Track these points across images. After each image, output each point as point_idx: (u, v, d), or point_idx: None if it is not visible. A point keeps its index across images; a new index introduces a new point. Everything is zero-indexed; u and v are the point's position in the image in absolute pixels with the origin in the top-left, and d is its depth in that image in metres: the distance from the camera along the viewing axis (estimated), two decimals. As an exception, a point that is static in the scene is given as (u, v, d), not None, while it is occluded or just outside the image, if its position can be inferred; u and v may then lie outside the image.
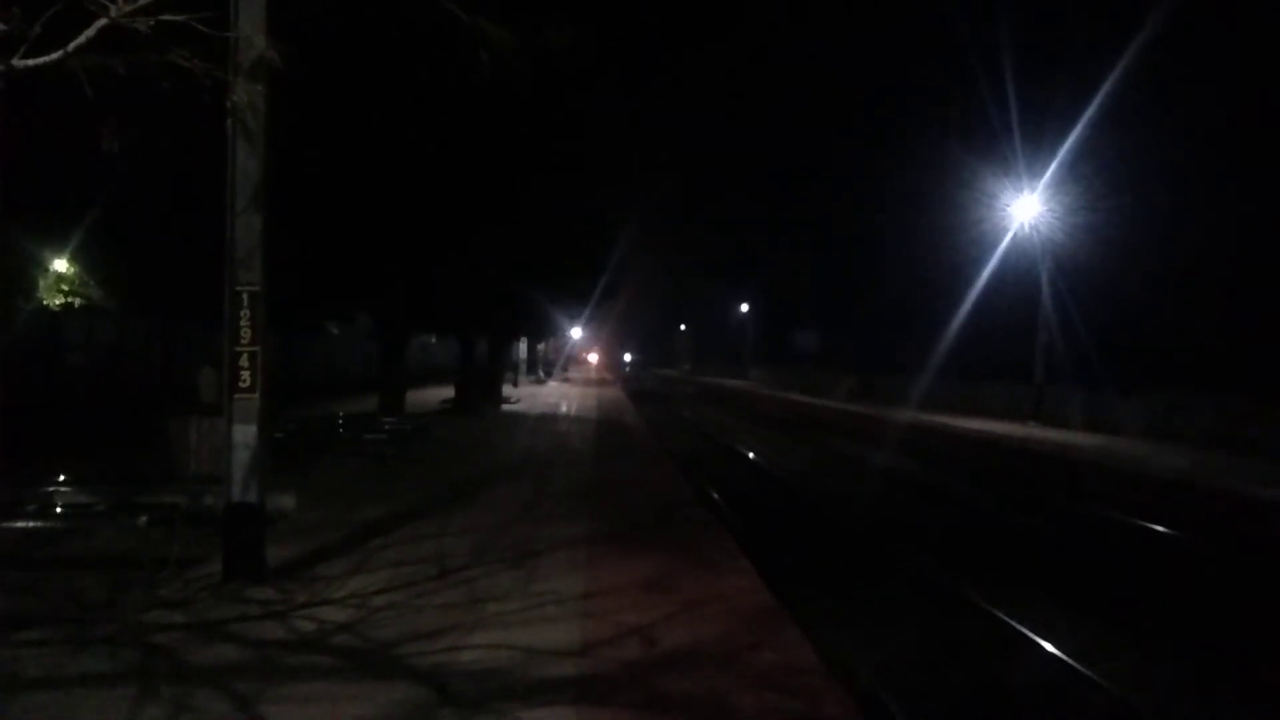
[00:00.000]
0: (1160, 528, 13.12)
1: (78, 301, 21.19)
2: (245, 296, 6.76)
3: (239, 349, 6.77)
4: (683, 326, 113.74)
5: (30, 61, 4.13)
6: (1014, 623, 8.03)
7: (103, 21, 4.23)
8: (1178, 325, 26.30)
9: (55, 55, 4.13)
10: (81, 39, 4.18)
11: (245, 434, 6.80)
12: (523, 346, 46.78)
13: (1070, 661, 7.07)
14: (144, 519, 7.06)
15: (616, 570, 7.85)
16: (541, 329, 41.74)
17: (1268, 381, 20.53)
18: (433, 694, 4.93)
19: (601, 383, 60.24)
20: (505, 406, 29.21)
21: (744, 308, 74.72)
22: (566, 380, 57.61)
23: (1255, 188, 24.33)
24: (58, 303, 20.75)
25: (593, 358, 79.33)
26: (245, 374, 6.78)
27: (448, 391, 31.62)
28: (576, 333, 61.98)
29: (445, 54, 6.86)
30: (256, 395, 6.80)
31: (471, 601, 6.73)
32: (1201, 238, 25.88)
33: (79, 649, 5.47)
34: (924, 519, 14.43)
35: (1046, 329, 28.48)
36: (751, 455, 21.84)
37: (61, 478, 9.84)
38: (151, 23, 4.10)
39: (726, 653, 5.81)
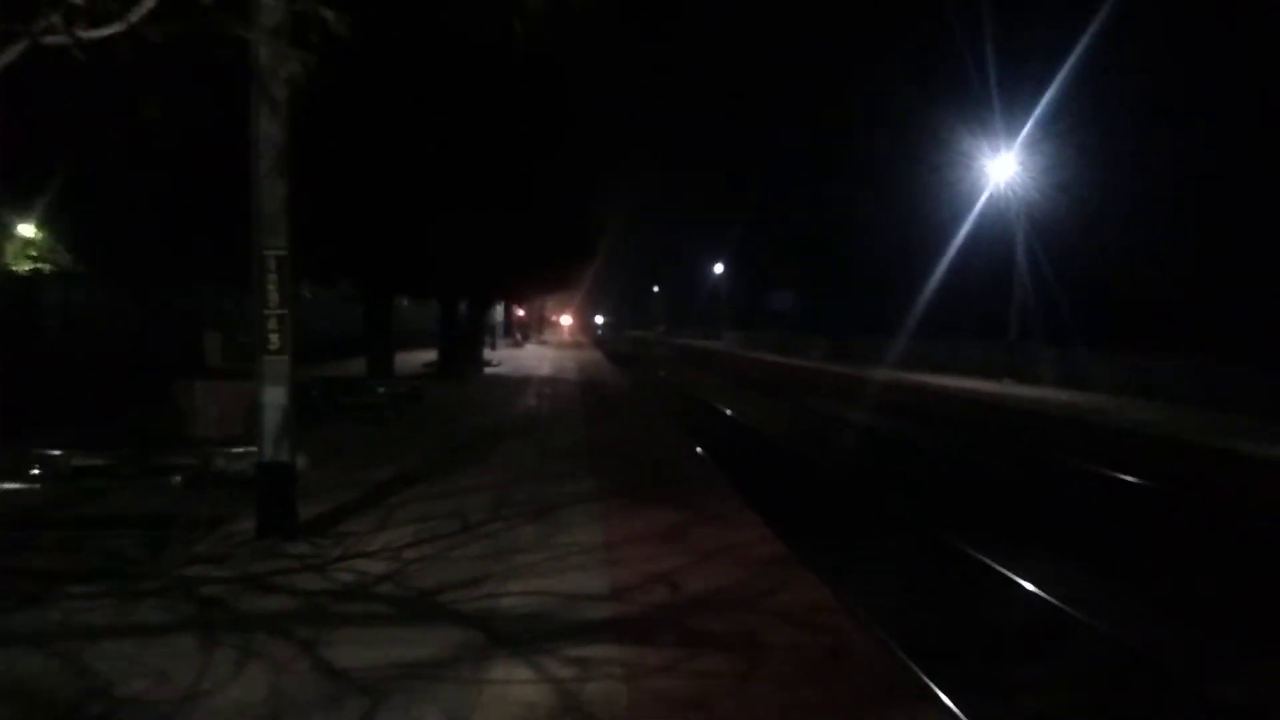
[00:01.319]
0: (1131, 478, 13.71)
1: (47, 267, 20.98)
2: (272, 260, 6.90)
3: (267, 312, 6.91)
4: (656, 289, 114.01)
5: (95, 33, 4.24)
6: (994, 563, 8.50)
7: (159, -8, 4.35)
8: (1148, 284, 26.96)
9: (119, 26, 4.25)
10: (143, 9, 4.29)
11: (275, 395, 6.97)
12: (498, 310, 46.73)
13: (1053, 600, 7.53)
14: (178, 479, 7.23)
15: (630, 523, 8.17)
16: (521, 293, 41.70)
17: (1235, 340, 21.24)
18: (483, 635, 5.23)
19: (577, 346, 60.44)
20: (487, 369, 29.36)
21: (718, 269, 75.01)
22: (543, 343, 57.80)
23: (1225, 152, 24.89)
24: (26, 269, 20.51)
25: (565, 320, 77.67)
26: (274, 336, 6.94)
27: (426, 355, 31.69)
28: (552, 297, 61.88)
29: (472, 21, 6.99)
30: (286, 357, 6.96)
31: (500, 553, 7.02)
32: (1171, 199, 26.46)
33: (135, 601, 5.70)
34: (907, 472, 14.93)
35: (1021, 288, 29.08)
36: (735, 414, 22.25)
37: (53, 441, 9.93)
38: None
39: (749, 596, 6.16)
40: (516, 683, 4.58)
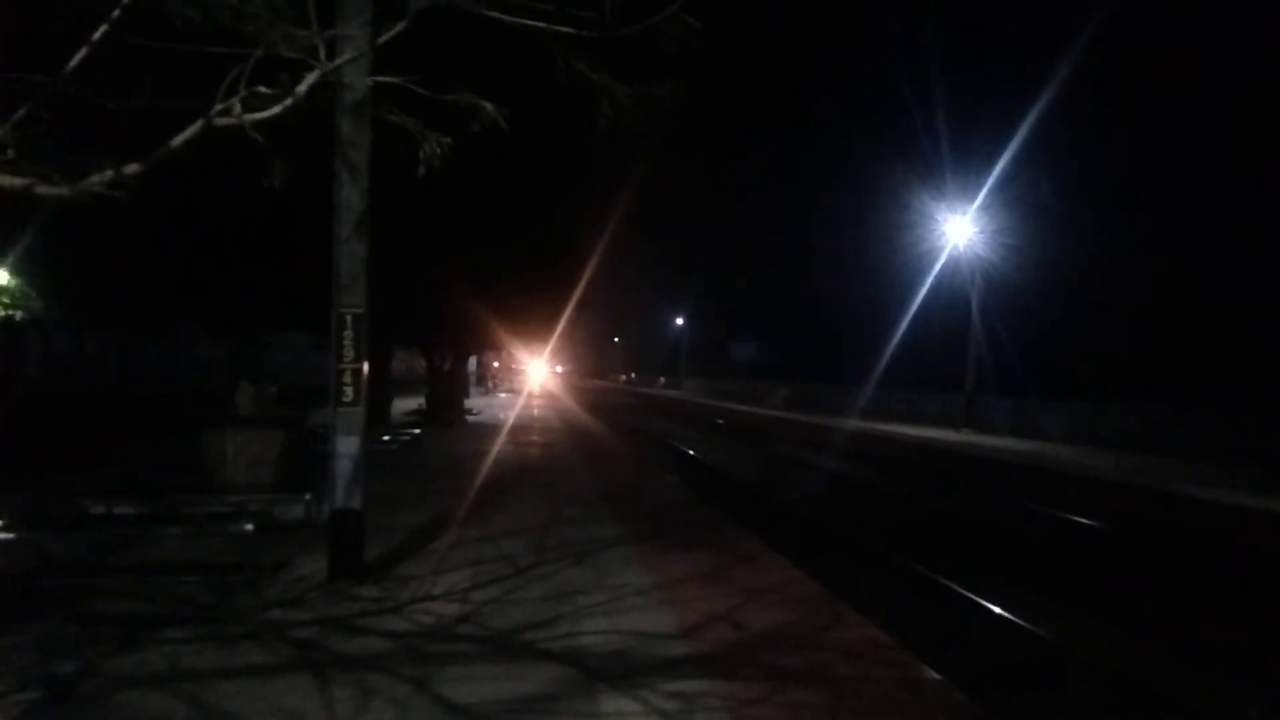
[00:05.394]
0: (1085, 519, 14.57)
1: (19, 315, 20.81)
2: (349, 318, 7.27)
3: (342, 366, 7.26)
4: (616, 339, 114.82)
5: (255, 116, 4.66)
6: (1006, 613, 9.01)
7: (314, 76, 4.78)
8: (1096, 339, 28.30)
9: (276, 109, 4.67)
10: (298, 91, 4.71)
11: (349, 445, 7.29)
12: (471, 360, 46.86)
13: (1045, 634, 8.13)
14: (250, 526, 7.47)
15: (670, 565, 8.56)
16: (498, 344, 41.99)
17: (1180, 390, 22.45)
18: (578, 672, 5.58)
19: (547, 395, 60.50)
20: (469, 417, 29.51)
21: (679, 320, 75.99)
22: (512, 392, 57.89)
23: (1169, 211, 26.43)
24: (-2, 315, 20.28)
25: (535, 369, 71.66)
26: (349, 389, 7.28)
27: (403, 404, 31.78)
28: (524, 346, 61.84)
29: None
30: (360, 409, 7.30)
31: (560, 595, 7.36)
32: (1118, 258, 27.92)
33: (231, 644, 5.93)
34: (895, 517, 15.52)
35: (976, 342, 30.32)
36: (719, 463, 22.70)
37: (64, 488, 10.06)
38: (369, 81, 4.66)
39: (809, 633, 6.59)
40: (630, 715, 4.94)
